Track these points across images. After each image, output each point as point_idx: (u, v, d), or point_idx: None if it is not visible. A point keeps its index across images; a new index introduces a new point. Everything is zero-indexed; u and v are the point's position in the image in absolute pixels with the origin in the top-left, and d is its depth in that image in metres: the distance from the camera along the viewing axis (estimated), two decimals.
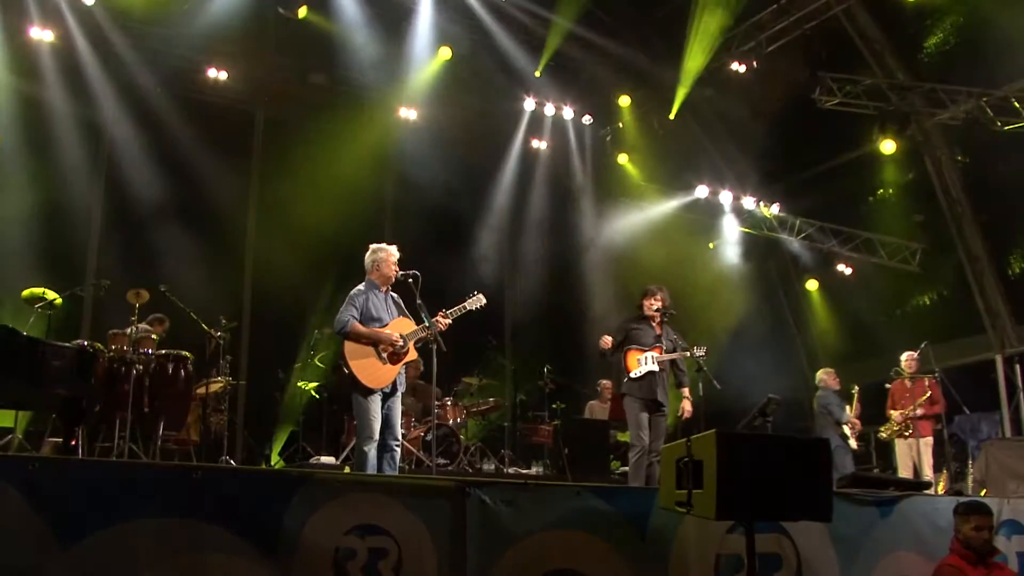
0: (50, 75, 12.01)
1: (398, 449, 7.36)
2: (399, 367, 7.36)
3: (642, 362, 8.67)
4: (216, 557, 4.43)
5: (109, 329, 9.27)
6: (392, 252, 7.63)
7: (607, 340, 8.89)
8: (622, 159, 16.61)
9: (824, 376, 12.47)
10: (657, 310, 8.85)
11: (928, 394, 11.46)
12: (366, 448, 7.05)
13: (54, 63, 12.03)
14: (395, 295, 7.69)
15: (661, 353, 8.71)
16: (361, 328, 7.27)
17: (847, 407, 12.12)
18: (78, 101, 12.29)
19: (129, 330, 9.06)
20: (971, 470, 11.26)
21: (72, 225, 12.28)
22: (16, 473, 4.14)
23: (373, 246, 7.72)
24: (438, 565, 4.92)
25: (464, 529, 5.00)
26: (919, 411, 11.49)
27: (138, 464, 6.86)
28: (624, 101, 16.01)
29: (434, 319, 7.48)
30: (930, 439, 11.49)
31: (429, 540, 4.93)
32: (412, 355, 7.49)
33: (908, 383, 11.76)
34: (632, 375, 8.63)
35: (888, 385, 12.02)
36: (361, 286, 7.52)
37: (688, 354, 8.82)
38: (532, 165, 16.06)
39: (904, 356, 11.90)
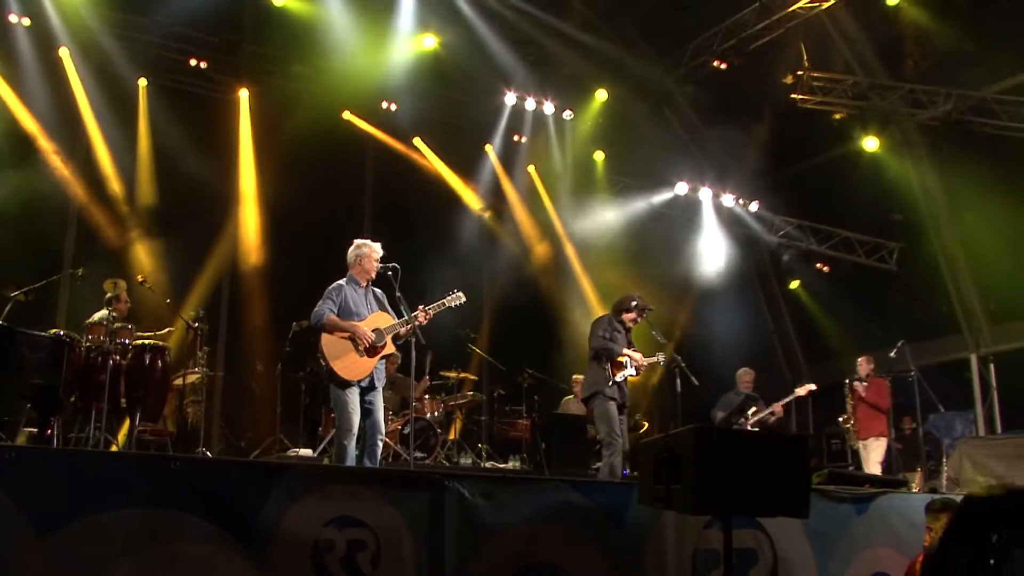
0: (27, 62, 11.89)
1: (380, 445, 7.36)
2: (376, 360, 7.34)
3: (626, 365, 8.79)
4: (194, 547, 4.43)
5: (85, 319, 9.21)
6: (375, 249, 7.63)
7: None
8: (602, 155, 16.59)
9: (742, 374, 12.18)
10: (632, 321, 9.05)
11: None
12: (345, 442, 7.04)
13: (31, 50, 11.91)
14: (377, 290, 7.68)
15: (642, 359, 8.87)
16: (338, 320, 7.26)
17: (753, 408, 11.66)
18: (56, 89, 12.17)
19: (97, 316, 9.02)
20: (945, 468, 11.34)
21: (49, 214, 12.16)
22: None
23: (357, 241, 7.71)
24: (416, 558, 4.92)
25: (443, 522, 5.01)
26: (861, 393, 11.50)
27: (117, 454, 6.83)
28: (603, 96, 15.97)
29: (414, 314, 7.48)
30: (876, 440, 11.37)
31: (408, 533, 4.94)
32: (390, 348, 7.48)
33: (863, 385, 11.66)
34: (617, 379, 8.70)
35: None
36: (341, 280, 7.53)
37: (659, 361, 9.22)
38: (513, 159, 16.06)
39: (859, 360, 11.86)
